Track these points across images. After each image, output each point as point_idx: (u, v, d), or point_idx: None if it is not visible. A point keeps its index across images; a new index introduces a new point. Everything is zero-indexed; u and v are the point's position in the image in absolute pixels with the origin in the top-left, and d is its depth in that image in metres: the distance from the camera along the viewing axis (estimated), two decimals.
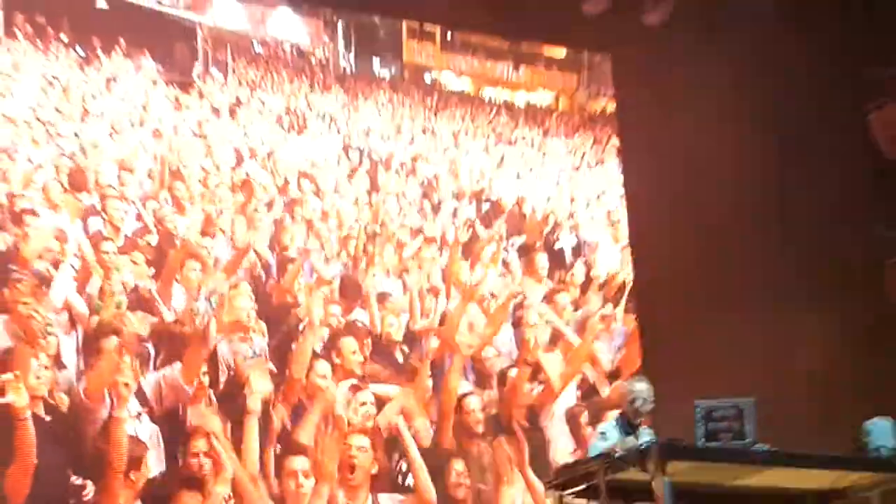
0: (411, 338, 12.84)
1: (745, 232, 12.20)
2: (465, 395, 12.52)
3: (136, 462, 10.38)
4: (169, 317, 11.73)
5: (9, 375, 9.95)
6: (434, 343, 12.69)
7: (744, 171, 12.09)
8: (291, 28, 13.22)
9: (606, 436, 9.77)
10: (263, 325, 12.13)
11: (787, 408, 9.92)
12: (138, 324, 11.47)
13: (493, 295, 13.24)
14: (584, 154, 14.15)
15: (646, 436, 9.62)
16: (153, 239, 12.30)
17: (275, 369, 11.88)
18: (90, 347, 11.07)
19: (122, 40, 12.49)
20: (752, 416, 8.99)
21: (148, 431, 10.83)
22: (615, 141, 13.88)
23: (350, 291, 12.79)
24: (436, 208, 13.30)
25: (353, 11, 13.04)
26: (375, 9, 13.13)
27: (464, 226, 13.31)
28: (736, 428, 8.97)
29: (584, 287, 13.69)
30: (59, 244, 11.60)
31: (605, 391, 12.95)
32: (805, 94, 12.22)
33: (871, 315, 11.64)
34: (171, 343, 11.48)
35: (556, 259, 13.72)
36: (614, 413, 10.75)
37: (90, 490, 10.27)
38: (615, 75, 13.98)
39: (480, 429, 12.39)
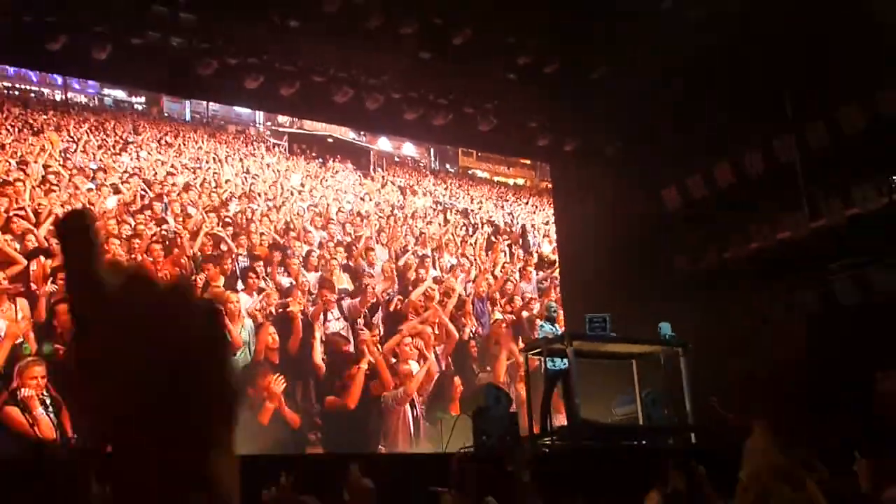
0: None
1: (612, 247, 12.84)
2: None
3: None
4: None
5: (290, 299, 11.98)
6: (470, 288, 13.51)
7: (609, 219, 12.99)
8: (411, 149, 14.39)
9: (543, 327, 11.00)
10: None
11: (622, 317, 10.96)
12: (346, 282, 12.59)
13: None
14: (536, 205, 14.89)
15: (559, 329, 11.10)
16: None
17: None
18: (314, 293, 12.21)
19: (339, 155, 13.41)
20: (610, 321, 10.85)
21: (341, 325, 12.19)
22: (551, 201, 14.83)
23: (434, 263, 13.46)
24: (472, 229, 14.07)
25: (437, 144, 14.30)
26: (447, 142, 14.17)
27: (484, 237, 14.13)
28: (603, 326, 10.87)
29: (539, 262, 14.47)
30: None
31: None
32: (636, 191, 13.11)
33: (658, 287, 12.44)
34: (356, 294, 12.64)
35: (526, 248, 14.53)
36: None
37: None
38: (551, 172, 14.94)
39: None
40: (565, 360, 10.17)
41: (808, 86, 11.46)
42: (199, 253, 11.54)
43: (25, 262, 10.27)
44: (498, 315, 13.45)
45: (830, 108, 11.40)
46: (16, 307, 10.01)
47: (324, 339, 11.87)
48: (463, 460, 5.73)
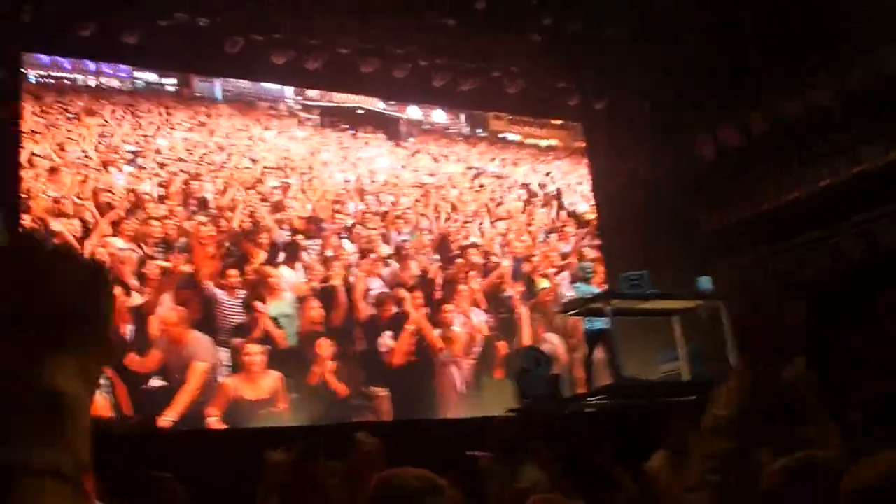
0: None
1: (648, 204, 12.91)
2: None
3: None
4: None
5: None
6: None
7: (644, 176, 12.94)
8: (441, 116, 14.14)
9: (579, 288, 11.24)
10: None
11: (662, 272, 11.05)
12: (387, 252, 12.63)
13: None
14: (570, 166, 14.75)
15: (594, 289, 11.30)
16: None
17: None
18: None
19: (370, 126, 13.42)
20: (648, 278, 10.90)
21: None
22: (585, 159, 14.66)
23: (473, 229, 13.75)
24: (507, 190, 14.10)
25: (466, 109, 14.06)
26: (477, 107, 14.13)
27: (519, 199, 14.13)
28: (640, 283, 10.99)
29: (576, 222, 14.32)
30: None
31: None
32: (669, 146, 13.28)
33: (697, 242, 12.80)
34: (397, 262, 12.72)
35: (562, 209, 14.27)
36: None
37: None
38: (584, 132, 14.69)
39: None
40: (604, 320, 10.20)
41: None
42: (238, 230, 11.65)
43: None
44: (545, 283, 13.33)
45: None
46: None
47: (371, 301, 11.98)
48: (504, 424, 5.80)
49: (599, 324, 10.38)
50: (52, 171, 10.82)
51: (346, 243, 12.36)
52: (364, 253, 12.33)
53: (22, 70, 10.98)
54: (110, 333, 0.88)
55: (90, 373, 0.85)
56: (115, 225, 10.86)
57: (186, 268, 11.02)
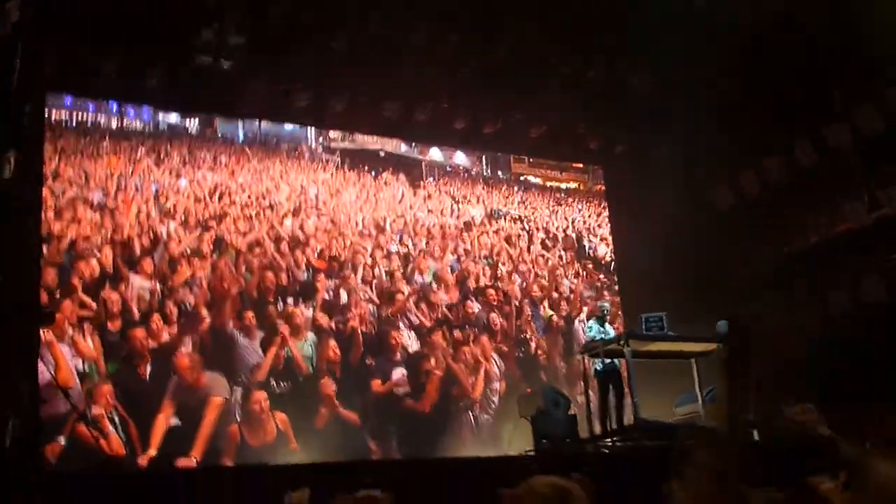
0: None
1: (669, 247, 12.58)
2: None
3: None
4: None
5: None
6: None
7: (664, 219, 12.64)
8: (462, 158, 14.08)
9: (592, 328, 11.02)
10: None
11: (680, 316, 10.84)
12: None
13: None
14: (591, 209, 14.82)
15: (609, 329, 11.08)
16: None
17: None
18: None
19: (391, 168, 13.47)
20: (666, 320, 10.68)
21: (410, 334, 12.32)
22: (605, 203, 14.73)
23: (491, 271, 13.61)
24: (527, 232, 14.05)
25: (488, 150, 14.21)
26: (497, 150, 14.17)
27: (538, 242, 14.06)
28: (659, 325, 10.69)
29: (595, 265, 14.34)
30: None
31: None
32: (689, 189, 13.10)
33: (717, 285, 12.48)
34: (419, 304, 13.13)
35: (581, 252, 14.31)
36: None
37: None
38: (604, 175, 14.81)
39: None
40: (613, 360, 10.21)
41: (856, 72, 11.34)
42: (258, 270, 11.67)
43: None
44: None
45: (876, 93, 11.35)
46: (84, 333, 10.22)
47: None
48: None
49: (606, 364, 10.32)
50: (73, 211, 10.92)
51: (363, 285, 12.34)
52: (385, 294, 12.28)
53: (45, 110, 11.04)
54: None
55: None
56: (135, 264, 10.91)
57: (205, 309, 11.04)
